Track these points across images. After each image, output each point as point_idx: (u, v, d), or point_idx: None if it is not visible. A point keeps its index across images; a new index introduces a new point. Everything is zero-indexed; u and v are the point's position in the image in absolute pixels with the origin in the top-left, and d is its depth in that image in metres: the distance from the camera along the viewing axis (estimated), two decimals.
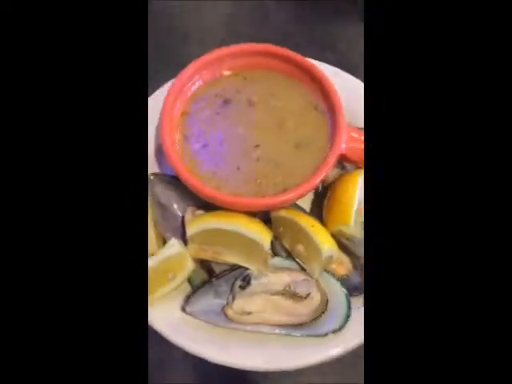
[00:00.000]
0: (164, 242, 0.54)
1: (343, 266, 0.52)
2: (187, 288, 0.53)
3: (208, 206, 0.52)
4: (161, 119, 0.51)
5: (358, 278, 0.53)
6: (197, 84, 0.56)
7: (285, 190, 0.50)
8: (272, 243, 0.51)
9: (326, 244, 0.49)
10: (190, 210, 0.53)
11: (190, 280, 0.53)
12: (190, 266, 0.51)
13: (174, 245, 0.50)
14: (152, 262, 0.49)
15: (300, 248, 0.51)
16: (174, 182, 0.54)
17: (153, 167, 0.58)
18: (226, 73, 0.57)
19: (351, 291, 0.52)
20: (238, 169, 0.51)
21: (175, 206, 0.55)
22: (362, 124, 0.57)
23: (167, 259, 0.50)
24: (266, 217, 0.54)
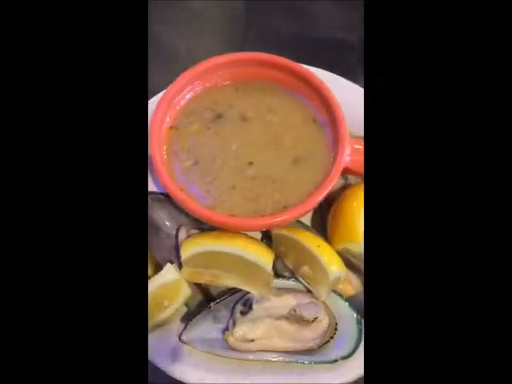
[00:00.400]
0: (157, 265, 0.50)
1: (352, 285, 0.49)
2: (184, 314, 0.49)
3: (203, 224, 0.49)
4: (149, 134, 0.48)
5: None
6: (187, 96, 0.52)
7: (285, 208, 0.47)
8: (274, 263, 0.47)
9: (334, 265, 0.46)
10: (183, 229, 0.50)
11: (187, 305, 0.49)
12: (186, 292, 0.47)
13: (170, 271, 0.47)
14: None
15: (305, 269, 0.47)
16: (166, 199, 0.51)
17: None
18: (219, 84, 0.54)
19: (362, 312, 0.48)
20: (234, 187, 0.48)
21: (168, 224, 0.52)
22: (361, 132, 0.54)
23: (162, 286, 0.46)
24: (266, 234, 0.51)
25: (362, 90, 0.58)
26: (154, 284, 0.46)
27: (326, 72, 0.58)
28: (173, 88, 0.50)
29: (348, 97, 0.54)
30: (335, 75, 0.58)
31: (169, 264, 0.47)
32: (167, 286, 0.46)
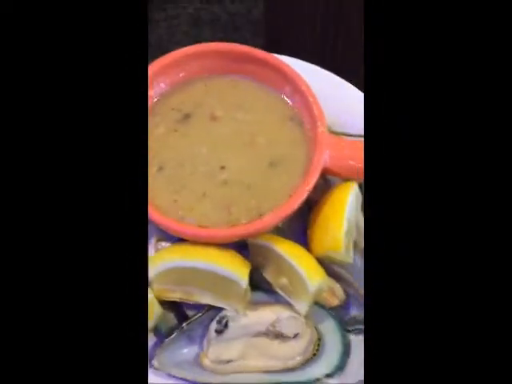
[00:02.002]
0: None
1: (335, 295, 0.45)
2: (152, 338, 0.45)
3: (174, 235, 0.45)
4: None
5: (355, 309, 0.46)
6: (152, 97, 0.48)
7: (260, 216, 0.43)
8: (251, 274, 0.43)
9: (314, 276, 0.42)
10: (152, 242, 0.46)
11: (156, 325, 0.45)
12: (156, 313, 0.43)
13: None
14: None
15: (283, 281, 0.44)
16: None
17: None
18: (186, 80, 0.49)
19: (348, 325, 0.45)
20: (204, 195, 0.44)
21: None
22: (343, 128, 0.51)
23: None
24: (242, 244, 0.47)
25: (343, 81, 0.54)
26: None
27: (307, 64, 0.54)
28: None
29: (329, 90, 0.50)
30: (316, 67, 0.54)
31: None
32: None
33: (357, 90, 0.53)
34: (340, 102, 0.51)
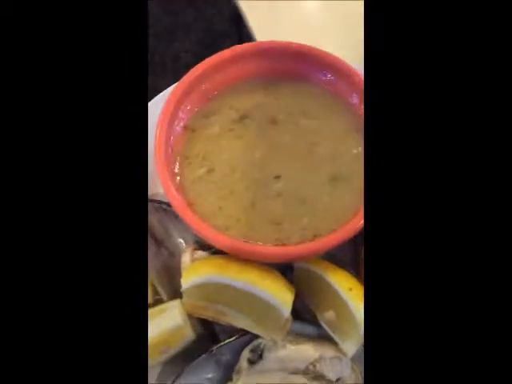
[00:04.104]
0: (156, 291, 0.42)
1: None
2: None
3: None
4: (156, 134, 0.40)
5: None
6: (206, 93, 0.44)
7: (315, 237, 0.38)
8: (294, 302, 0.39)
9: None
10: (188, 249, 0.42)
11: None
12: (189, 336, 0.40)
13: (174, 316, 0.39)
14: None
15: (331, 315, 0.39)
16: (171, 209, 0.43)
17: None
18: (245, 81, 0.45)
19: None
20: (253, 205, 0.40)
21: (172, 240, 0.45)
22: None
23: (164, 332, 0.39)
24: (288, 265, 0.43)
25: None
26: (154, 330, 0.38)
27: None
28: (186, 80, 0.42)
29: None
30: None
31: (172, 306, 0.40)
32: (169, 331, 0.39)
33: None
34: None
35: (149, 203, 0.43)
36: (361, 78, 0.43)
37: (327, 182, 0.41)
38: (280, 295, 0.37)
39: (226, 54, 0.44)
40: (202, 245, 0.42)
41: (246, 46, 0.44)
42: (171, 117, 0.41)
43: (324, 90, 0.45)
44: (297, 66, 0.45)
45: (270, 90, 0.46)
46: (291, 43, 0.44)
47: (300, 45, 0.44)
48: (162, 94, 0.49)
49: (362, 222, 0.38)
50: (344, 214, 0.40)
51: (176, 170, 0.41)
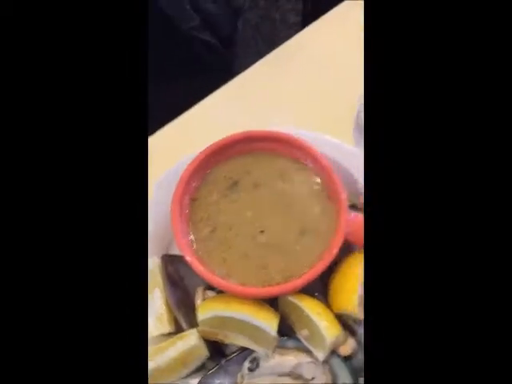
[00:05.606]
0: (175, 321, 0.56)
1: (348, 345, 0.54)
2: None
3: None
4: (172, 208, 0.54)
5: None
6: (207, 168, 0.58)
7: (291, 277, 0.52)
8: (280, 323, 0.53)
9: (331, 331, 0.51)
10: (200, 290, 0.56)
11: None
12: (204, 354, 0.53)
13: (192, 340, 0.52)
14: (166, 357, 0.51)
15: (306, 332, 0.53)
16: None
17: (167, 247, 0.60)
18: (236, 155, 0.59)
19: (358, 371, 0.54)
20: (246, 255, 0.54)
21: (186, 283, 0.58)
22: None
23: (182, 352, 0.52)
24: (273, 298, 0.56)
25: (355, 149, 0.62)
26: (175, 351, 0.52)
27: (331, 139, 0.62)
28: (191, 166, 0.56)
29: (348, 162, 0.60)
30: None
31: (191, 331, 0.53)
32: (187, 351, 0.52)
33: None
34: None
35: (168, 257, 0.57)
36: (324, 162, 0.56)
37: (298, 234, 0.54)
38: (268, 321, 0.51)
39: (220, 142, 0.57)
40: (210, 287, 0.56)
41: (237, 134, 0.58)
42: (181, 195, 0.55)
43: (293, 159, 0.59)
44: (271, 144, 0.59)
45: (254, 160, 0.59)
46: (263, 131, 0.58)
47: (270, 132, 0.58)
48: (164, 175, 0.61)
49: (327, 264, 0.52)
50: (312, 258, 0.53)
51: (188, 232, 0.55)
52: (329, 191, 0.57)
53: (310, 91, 0.78)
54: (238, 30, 1.20)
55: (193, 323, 0.54)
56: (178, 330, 0.55)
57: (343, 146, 0.62)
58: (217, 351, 0.56)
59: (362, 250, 0.55)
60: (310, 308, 0.53)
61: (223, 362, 0.54)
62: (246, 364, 0.53)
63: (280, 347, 0.54)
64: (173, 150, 0.62)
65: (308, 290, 0.56)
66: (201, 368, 0.55)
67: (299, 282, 0.52)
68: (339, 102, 0.72)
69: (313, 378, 0.52)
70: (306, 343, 0.54)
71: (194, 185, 0.57)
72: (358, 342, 0.55)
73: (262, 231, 0.55)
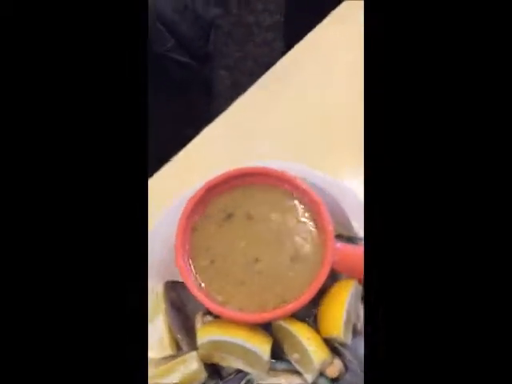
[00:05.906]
0: (177, 343, 0.60)
1: (336, 368, 0.59)
2: None
3: None
4: (176, 238, 0.58)
5: (352, 379, 0.59)
6: (205, 202, 0.63)
7: (284, 303, 0.56)
8: (273, 346, 0.57)
9: (320, 354, 0.56)
10: (199, 316, 0.60)
11: None
12: (204, 376, 0.57)
13: (192, 362, 0.56)
14: (170, 381, 0.55)
15: (296, 356, 0.57)
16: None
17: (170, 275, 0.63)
18: (230, 189, 0.64)
19: None
20: (243, 284, 0.58)
21: (188, 308, 0.62)
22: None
23: (186, 375, 0.56)
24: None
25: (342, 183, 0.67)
26: (179, 375, 0.56)
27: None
28: (191, 201, 0.61)
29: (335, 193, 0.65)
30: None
31: (192, 354, 0.57)
32: (190, 374, 0.56)
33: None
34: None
35: (171, 284, 0.62)
36: (312, 195, 0.61)
37: (290, 262, 0.58)
38: (262, 345, 0.55)
39: (218, 177, 0.62)
40: (209, 312, 0.60)
41: (232, 171, 0.63)
42: (185, 226, 0.59)
43: (284, 191, 0.63)
44: (261, 178, 0.63)
45: (247, 193, 0.63)
46: (255, 167, 0.63)
47: (260, 168, 0.63)
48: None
49: (315, 292, 0.56)
50: (303, 285, 0.57)
51: (189, 261, 0.60)
52: (317, 222, 0.61)
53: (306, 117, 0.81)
54: (210, 40, 1.18)
55: (193, 346, 0.59)
56: (178, 352, 0.60)
57: (328, 179, 0.67)
58: (214, 373, 0.60)
59: (347, 280, 0.60)
60: (301, 333, 0.57)
61: (220, 383, 0.58)
62: None
63: (272, 369, 0.58)
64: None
65: (300, 316, 0.60)
66: None
67: (290, 309, 0.56)
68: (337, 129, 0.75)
69: None
70: (296, 366, 0.58)
71: (194, 218, 0.61)
72: (345, 365, 0.59)
73: (256, 260, 0.59)
